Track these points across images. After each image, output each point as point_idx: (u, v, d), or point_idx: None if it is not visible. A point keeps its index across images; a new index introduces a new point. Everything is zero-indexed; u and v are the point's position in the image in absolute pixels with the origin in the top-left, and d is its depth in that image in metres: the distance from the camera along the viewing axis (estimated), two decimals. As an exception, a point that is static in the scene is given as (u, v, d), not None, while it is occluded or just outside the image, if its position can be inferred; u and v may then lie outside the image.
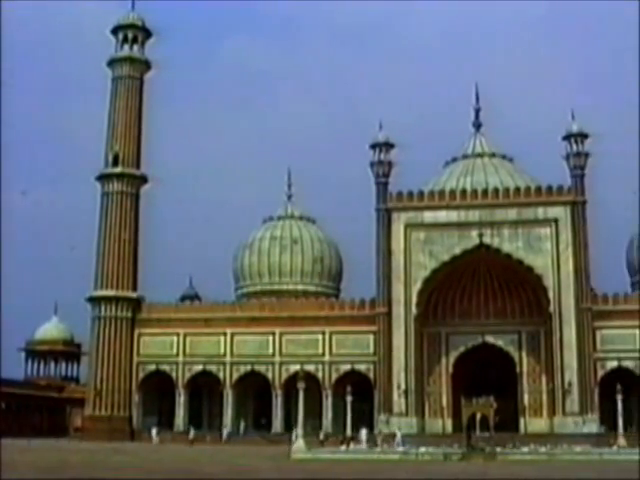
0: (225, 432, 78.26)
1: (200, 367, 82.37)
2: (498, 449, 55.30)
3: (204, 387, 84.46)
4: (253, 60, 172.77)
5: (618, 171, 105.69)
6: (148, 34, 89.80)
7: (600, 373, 77.23)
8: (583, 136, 79.61)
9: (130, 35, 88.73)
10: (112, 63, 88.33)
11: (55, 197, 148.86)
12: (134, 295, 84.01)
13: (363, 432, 67.08)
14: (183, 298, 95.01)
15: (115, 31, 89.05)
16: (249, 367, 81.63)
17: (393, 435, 68.07)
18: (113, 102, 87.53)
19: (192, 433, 77.53)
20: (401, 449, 58.10)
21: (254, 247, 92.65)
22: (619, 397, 67.85)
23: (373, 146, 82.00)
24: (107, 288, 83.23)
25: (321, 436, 72.48)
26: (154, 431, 78.00)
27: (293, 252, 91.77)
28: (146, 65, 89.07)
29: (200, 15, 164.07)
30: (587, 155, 79.24)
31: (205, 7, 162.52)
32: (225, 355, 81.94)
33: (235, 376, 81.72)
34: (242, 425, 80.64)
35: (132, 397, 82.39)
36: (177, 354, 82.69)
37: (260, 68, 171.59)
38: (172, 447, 68.55)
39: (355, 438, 66.26)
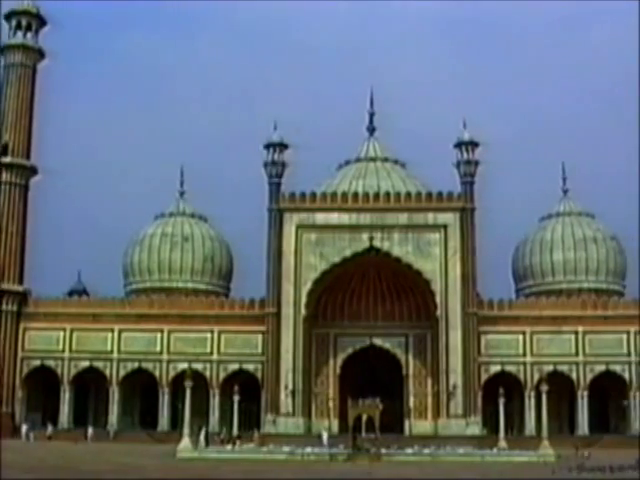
0: (90, 431, 76.69)
1: (87, 363, 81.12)
2: (383, 450, 56.09)
3: (90, 384, 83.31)
4: (150, 55, 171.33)
5: (506, 179, 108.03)
6: (43, 22, 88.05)
7: (484, 377, 78.82)
8: (474, 144, 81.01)
9: (24, 22, 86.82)
10: (4, 50, 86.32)
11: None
12: (20, 288, 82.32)
13: (202, 432, 66.81)
14: (71, 293, 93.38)
15: (8, 17, 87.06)
16: (136, 364, 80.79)
17: (318, 435, 68.54)
18: (4, 90, 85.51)
19: (50, 429, 76.40)
20: (328, 450, 58.33)
21: (144, 243, 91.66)
22: (501, 400, 69.33)
23: (267, 146, 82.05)
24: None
25: (222, 435, 71.84)
26: (24, 428, 76.34)
27: (184, 250, 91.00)
28: (40, 54, 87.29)
29: (98, 7, 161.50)
30: (477, 163, 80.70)
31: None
32: (112, 352, 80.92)
33: (122, 373, 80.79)
34: (112, 428, 78.90)
35: (15, 393, 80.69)
36: (63, 350, 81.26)
37: (157, 64, 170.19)
38: (55, 445, 67.51)
39: (241, 437, 66.31)
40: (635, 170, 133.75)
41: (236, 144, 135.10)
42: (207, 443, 63.08)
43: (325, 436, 66.81)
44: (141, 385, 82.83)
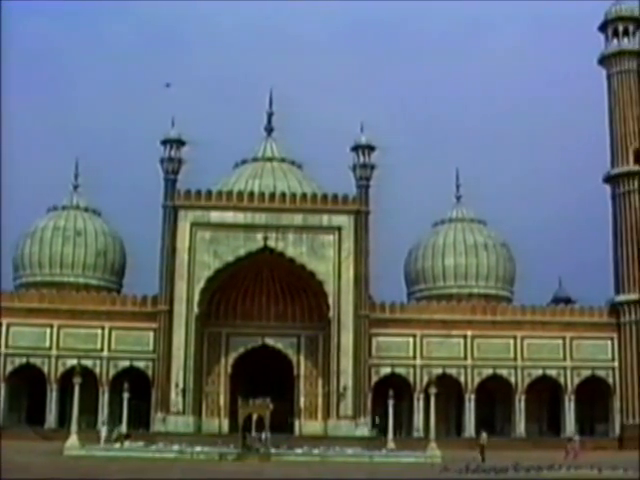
0: None
1: (-27, 358, 79.44)
2: (273, 450, 56.37)
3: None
4: (50, 43, 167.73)
5: (402, 184, 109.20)
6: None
7: (374, 379, 79.69)
8: (370, 148, 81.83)
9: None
10: None
11: None
12: None
13: (103, 429, 66.21)
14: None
15: None
16: (24, 360, 79.32)
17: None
18: None
19: None
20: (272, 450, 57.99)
21: (36, 236, 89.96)
22: (391, 402, 70.34)
23: (164, 142, 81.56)
24: None
25: (114, 434, 70.41)
26: None
27: (76, 244, 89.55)
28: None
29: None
30: (373, 167, 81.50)
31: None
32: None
33: (9, 369, 79.02)
34: None
35: None
36: (-53, 344, 79.39)
37: (56, 52, 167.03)
38: None
39: (131, 436, 65.71)
40: (526, 179, 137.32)
41: (133, 139, 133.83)
42: (115, 440, 62.52)
43: (263, 436, 65.65)
44: (29, 381, 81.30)
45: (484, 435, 59.92)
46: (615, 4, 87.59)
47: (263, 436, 60.08)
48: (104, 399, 78.75)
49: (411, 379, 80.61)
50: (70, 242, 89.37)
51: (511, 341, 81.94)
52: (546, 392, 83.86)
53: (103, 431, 65.82)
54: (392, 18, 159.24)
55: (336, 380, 78.31)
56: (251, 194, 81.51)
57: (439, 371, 79.10)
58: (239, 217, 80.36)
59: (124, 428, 66.30)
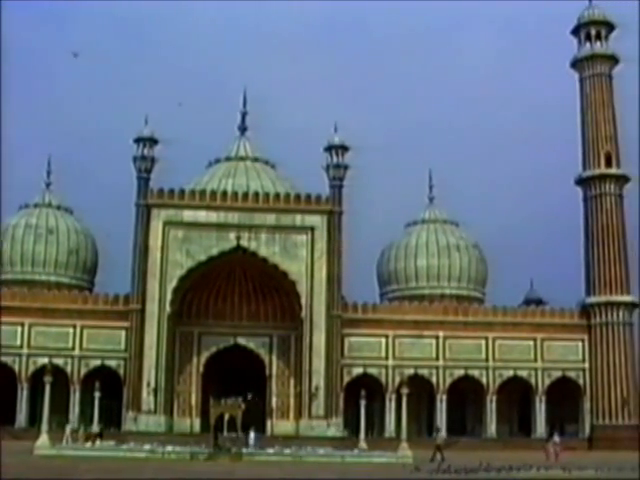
0: None
1: (-59, 357, 78.82)
2: (244, 449, 56.31)
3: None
4: (22, 43, 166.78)
5: (375, 184, 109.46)
6: None
7: (346, 379, 79.82)
8: (344, 148, 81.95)
9: None
10: None
11: None
12: None
13: (68, 428, 65.92)
14: None
15: None
16: (-6, 358, 79.05)
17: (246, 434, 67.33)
18: None
19: None
20: (252, 450, 57.84)
21: (7, 234, 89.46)
22: (362, 402, 70.33)
23: (137, 140, 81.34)
24: None
25: (80, 432, 69.84)
26: None
27: (48, 242, 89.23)
28: None
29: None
30: (346, 167, 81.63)
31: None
32: (-31, 345, 78.88)
33: (-21, 367, 78.94)
34: None
35: None
36: None
37: (29, 52, 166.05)
38: None
39: (102, 435, 65.39)
40: (498, 181, 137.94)
41: (106, 137, 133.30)
42: (85, 439, 62.22)
43: (252, 435, 65.47)
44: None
45: (441, 434, 59.97)
46: (588, 8, 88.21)
47: (252, 435, 60.06)
48: (75, 398, 78.40)
49: (383, 379, 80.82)
50: (42, 240, 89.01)
51: (483, 342, 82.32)
52: (517, 393, 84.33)
53: (67, 430, 65.53)
54: (366, 18, 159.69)
55: (308, 380, 78.34)
56: (224, 193, 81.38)
57: (411, 371, 79.30)
58: (212, 216, 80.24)
59: (96, 427, 65.94)
